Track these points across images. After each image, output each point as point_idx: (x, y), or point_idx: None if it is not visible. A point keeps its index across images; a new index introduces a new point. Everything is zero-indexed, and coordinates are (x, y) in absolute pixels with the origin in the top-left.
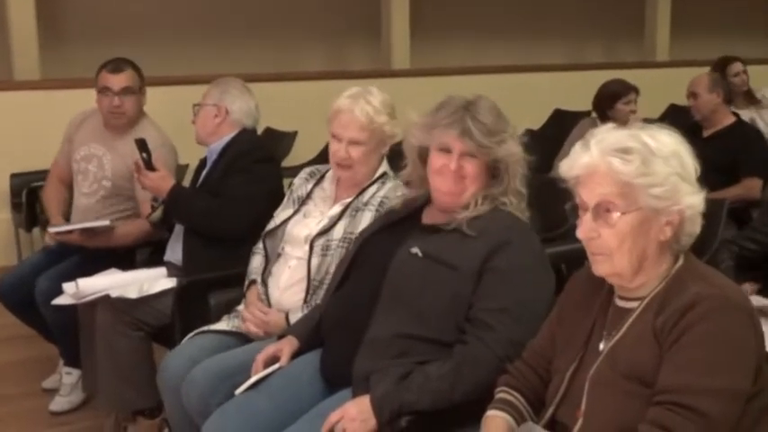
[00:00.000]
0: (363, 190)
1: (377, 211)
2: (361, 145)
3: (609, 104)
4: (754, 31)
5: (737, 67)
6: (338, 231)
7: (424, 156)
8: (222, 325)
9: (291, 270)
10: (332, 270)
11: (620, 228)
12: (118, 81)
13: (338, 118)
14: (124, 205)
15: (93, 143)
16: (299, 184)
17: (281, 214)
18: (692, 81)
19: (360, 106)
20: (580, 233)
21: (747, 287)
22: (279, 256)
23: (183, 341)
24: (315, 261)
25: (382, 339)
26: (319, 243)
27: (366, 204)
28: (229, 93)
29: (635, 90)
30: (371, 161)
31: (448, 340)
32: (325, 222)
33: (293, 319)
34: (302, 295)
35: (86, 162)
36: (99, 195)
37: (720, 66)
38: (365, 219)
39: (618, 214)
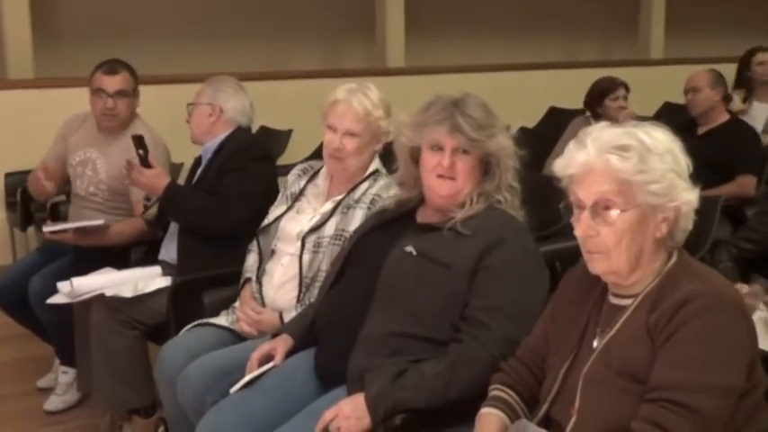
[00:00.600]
0: (355, 187)
1: (368, 208)
2: (355, 137)
3: (598, 101)
4: (750, 29)
5: (763, 56)
6: (329, 228)
7: (415, 155)
8: (221, 320)
9: (284, 267)
10: (323, 267)
11: (618, 225)
12: (112, 83)
13: (334, 109)
14: (121, 206)
15: (88, 147)
16: (293, 181)
17: (274, 211)
18: (692, 76)
19: (357, 98)
20: (578, 232)
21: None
22: (272, 253)
23: (181, 333)
24: (306, 258)
25: (377, 338)
26: (311, 240)
27: (357, 201)
28: (223, 91)
29: (624, 86)
30: (364, 155)
31: (442, 339)
32: (316, 219)
33: (287, 317)
34: (296, 293)
35: (82, 166)
36: (96, 198)
37: (747, 55)
38: (357, 216)
39: (617, 212)
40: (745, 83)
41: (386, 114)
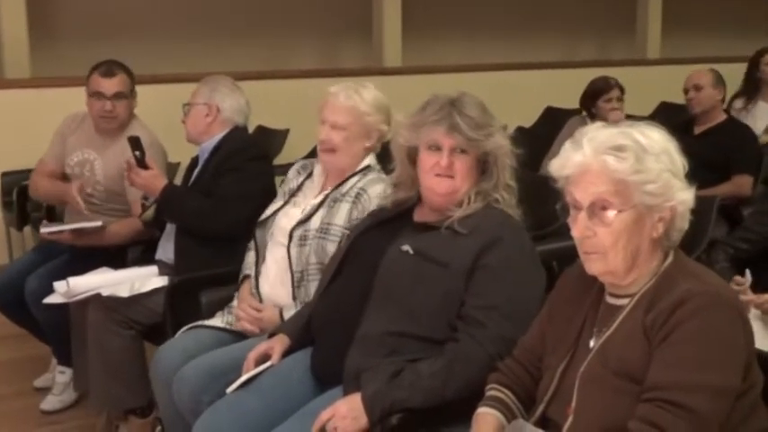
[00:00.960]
0: (344, 181)
1: (353, 202)
2: (342, 130)
3: (592, 102)
4: (747, 29)
5: None
6: (315, 221)
7: (412, 156)
8: (216, 321)
9: (278, 263)
10: (311, 260)
11: (615, 226)
12: (110, 86)
13: (326, 104)
14: (118, 208)
15: (87, 148)
16: (291, 177)
17: (271, 206)
18: (694, 74)
19: (347, 93)
20: (575, 232)
21: (739, 279)
22: (267, 248)
23: (177, 335)
24: (294, 251)
25: (373, 337)
26: (297, 233)
27: (344, 195)
28: (219, 91)
29: (618, 87)
30: (354, 150)
31: (439, 338)
32: (306, 212)
33: (287, 315)
34: (290, 288)
35: (80, 167)
36: (92, 200)
37: (756, 56)
38: (342, 209)
39: (613, 212)
40: (754, 82)
41: (378, 112)
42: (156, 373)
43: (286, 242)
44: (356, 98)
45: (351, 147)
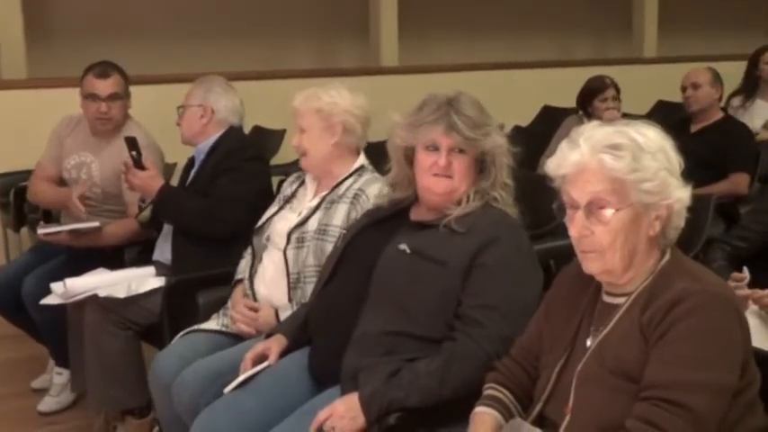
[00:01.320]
0: (340, 183)
1: (351, 203)
2: (304, 132)
3: (588, 101)
4: (743, 27)
5: None
6: (312, 223)
7: (410, 156)
8: (212, 324)
9: (275, 264)
10: (309, 262)
11: (612, 225)
12: (105, 87)
13: None
14: (115, 209)
15: (83, 151)
16: (286, 187)
17: (267, 212)
18: (692, 72)
19: (302, 96)
20: (572, 231)
21: (738, 276)
22: (264, 251)
23: (174, 341)
24: (291, 253)
25: (371, 336)
26: (295, 236)
27: (341, 197)
28: (213, 91)
29: (614, 86)
30: (320, 148)
31: (436, 337)
32: (303, 215)
33: (283, 315)
34: (287, 290)
35: (77, 170)
36: (90, 202)
37: (756, 54)
38: (340, 210)
39: (611, 211)
40: (753, 80)
41: (335, 106)
42: (154, 380)
43: (283, 245)
44: (310, 99)
45: (315, 146)
